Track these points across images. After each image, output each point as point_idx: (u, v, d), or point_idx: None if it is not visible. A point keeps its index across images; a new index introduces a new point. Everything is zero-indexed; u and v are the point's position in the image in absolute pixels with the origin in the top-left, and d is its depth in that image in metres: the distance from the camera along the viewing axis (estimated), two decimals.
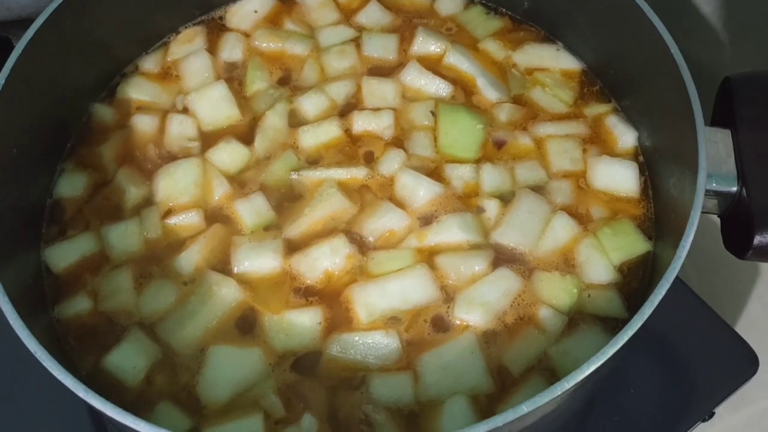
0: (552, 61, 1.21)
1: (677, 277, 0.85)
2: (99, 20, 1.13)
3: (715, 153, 0.95)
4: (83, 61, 1.14)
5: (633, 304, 0.99)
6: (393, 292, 0.98)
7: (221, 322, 0.98)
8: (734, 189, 0.95)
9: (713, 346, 1.19)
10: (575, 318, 0.98)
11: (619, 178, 1.08)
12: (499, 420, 0.74)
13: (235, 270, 1.01)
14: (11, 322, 0.84)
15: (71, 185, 1.10)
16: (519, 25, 1.26)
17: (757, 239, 0.90)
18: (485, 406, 0.93)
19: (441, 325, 0.98)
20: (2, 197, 0.97)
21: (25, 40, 1.00)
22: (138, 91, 1.19)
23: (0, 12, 1.45)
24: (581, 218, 1.05)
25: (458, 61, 1.19)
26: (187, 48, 1.23)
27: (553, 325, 0.97)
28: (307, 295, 1.00)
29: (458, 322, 0.98)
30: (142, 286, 1.01)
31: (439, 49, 1.21)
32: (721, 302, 1.23)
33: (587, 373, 0.77)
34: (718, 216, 0.99)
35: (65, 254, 1.04)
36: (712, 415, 1.17)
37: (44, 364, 0.79)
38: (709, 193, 0.94)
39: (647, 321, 0.83)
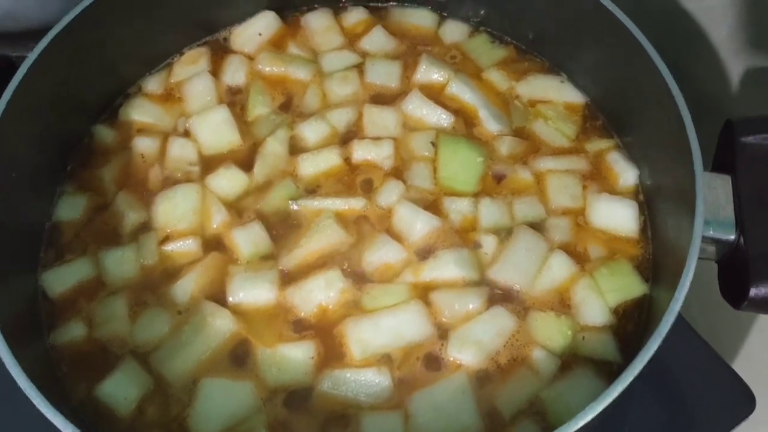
0: (555, 93, 1.20)
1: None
2: (105, 40, 1.13)
3: (714, 199, 0.95)
4: (87, 81, 1.14)
5: (627, 348, 0.99)
6: (387, 328, 0.98)
7: (215, 353, 0.98)
8: (732, 237, 0.94)
9: (710, 384, 1.17)
10: (568, 360, 0.98)
11: (618, 217, 1.07)
12: None
13: (230, 300, 1.01)
14: (2, 354, 0.84)
15: (70, 208, 1.11)
16: (524, 55, 1.25)
17: (753, 291, 0.89)
18: None
19: (433, 364, 0.98)
20: (2, 219, 0.97)
21: (30, 61, 1.01)
22: (140, 112, 1.19)
23: (7, 23, 1.45)
24: (579, 257, 1.05)
25: (461, 91, 1.18)
26: (191, 69, 1.22)
27: (546, 368, 0.97)
28: (301, 328, 1.00)
29: (451, 360, 0.97)
30: (136, 314, 1.02)
31: (442, 78, 1.20)
32: (720, 336, 1.21)
33: (581, 424, 0.77)
34: (716, 262, 0.98)
35: (62, 279, 1.04)
36: None
37: (33, 401, 0.80)
38: (706, 239, 0.93)
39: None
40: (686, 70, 1.03)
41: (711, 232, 0.93)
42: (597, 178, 1.12)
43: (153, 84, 1.22)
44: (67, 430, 0.78)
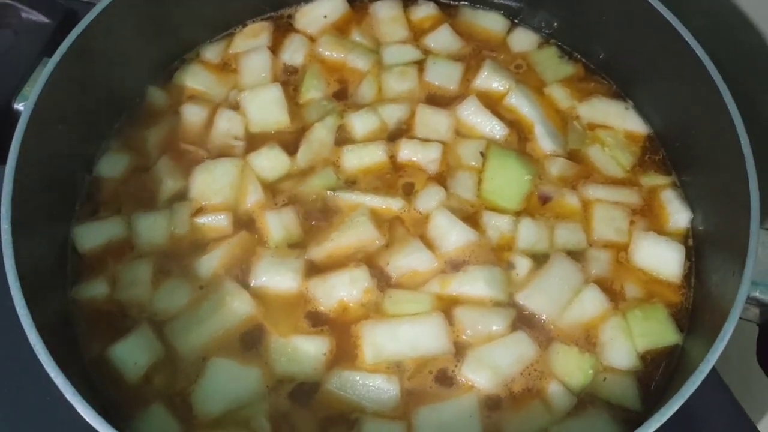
0: (618, 120, 1.15)
1: None
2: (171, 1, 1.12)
3: (763, 258, 0.89)
4: (148, 40, 1.14)
5: (649, 397, 0.95)
6: (404, 336, 0.96)
7: (228, 333, 0.97)
8: None
9: None
10: (584, 399, 0.94)
11: (663, 259, 1.03)
12: None
13: (252, 283, 1.00)
14: (18, 309, 0.84)
15: (112, 165, 1.11)
16: (591, 75, 1.20)
17: None
18: None
19: (445, 380, 0.95)
20: (44, 168, 0.98)
21: (93, 14, 1.00)
22: (194, 79, 1.18)
23: None
24: (614, 294, 1.01)
25: (520, 103, 1.15)
26: (251, 43, 1.21)
27: (560, 404, 0.93)
28: (318, 322, 0.99)
29: (464, 380, 0.95)
30: (159, 281, 1.01)
31: (502, 87, 1.16)
32: (750, 395, 1.16)
33: None
34: (757, 325, 0.93)
35: (94, 235, 1.05)
36: None
37: (40, 357, 0.80)
38: (751, 300, 0.89)
39: None
40: (759, 112, 0.97)
41: (758, 293, 0.88)
42: (647, 214, 1.07)
43: (211, 52, 1.21)
44: (66, 392, 0.78)
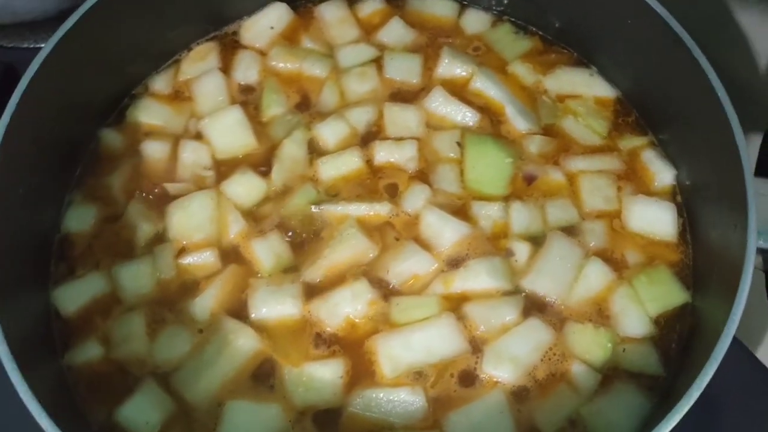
0: (585, 88, 1.14)
1: None
2: (108, 37, 1.07)
3: (764, 206, 0.90)
4: (91, 82, 1.08)
5: (670, 360, 0.95)
6: (418, 344, 0.94)
7: (238, 373, 0.94)
8: None
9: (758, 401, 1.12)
10: (609, 374, 0.94)
11: (656, 220, 1.03)
12: None
13: (253, 316, 0.97)
14: (11, 377, 0.80)
15: (80, 219, 1.05)
16: (550, 46, 1.19)
17: None
18: None
19: (468, 380, 0.93)
20: (8, 234, 0.91)
21: (35, 66, 0.95)
22: (148, 114, 1.13)
23: (5, 16, 1.39)
24: (616, 264, 1.00)
25: (486, 86, 1.13)
26: (200, 66, 1.16)
27: (586, 383, 0.93)
28: (328, 343, 0.96)
29: (487, 377, 0.93)
30: (155, 332, 0.97)
31: (465, 73, 1.14)
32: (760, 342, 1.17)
33: None
34: (763, 272, 0.94)
35: (75, 295, 0.99)
36: None
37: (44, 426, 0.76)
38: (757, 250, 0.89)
39: None
40: (725, 66, 0.98)
41: (761, 242, 0.88)
42: (632, 178, 1.07)
43: (160, 83, 1.16)
44: None
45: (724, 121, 0.91)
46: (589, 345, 0.95)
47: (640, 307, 0.97)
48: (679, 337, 0.96)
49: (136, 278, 1.00)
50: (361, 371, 0.94)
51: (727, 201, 0.92)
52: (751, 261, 0.82)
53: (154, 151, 1.09)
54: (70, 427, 0.79)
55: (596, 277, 0.98)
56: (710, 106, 0.93)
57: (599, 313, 0.97)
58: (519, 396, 0.92)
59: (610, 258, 1.01)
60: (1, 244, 0.89)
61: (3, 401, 0.95)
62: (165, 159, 1.09)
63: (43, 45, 1.00)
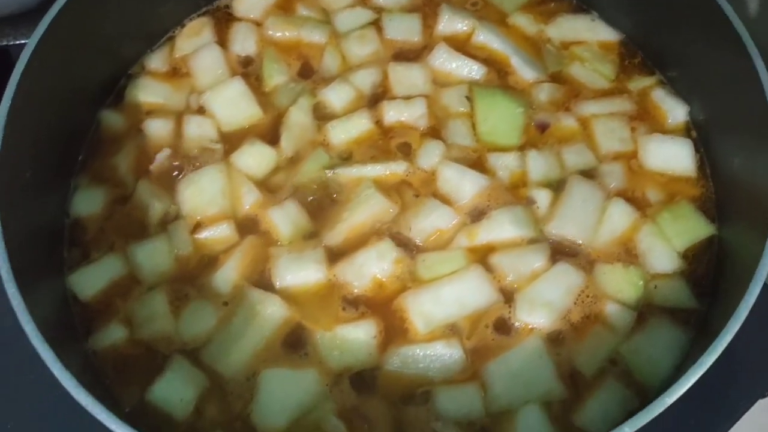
0: (588, 33, 1.14)
1: None
2: (100, 19, 1.04)
3: None
4: (86, 64, 1.05)
5: (702, 292, 0.94)
6: (449, 298, 0.93)
7: (269, 342, 0.92)
8: None
9: None
10: (643, 312, 0.93)
11: (673, 156, 1.02)
12: None
13: (277, 285, 0.95)
14: (44, 357, 0.77)
15: (88, 202, 1.02)
16: None
17: None
18: (560, 413, 0.88)
19: (504, 329, 0.92)
20: (20, 223, 0.88)
21: (27, 52, 0.91)
22: (147, 92, 1.10)
23: None
24: (638, 203, 1.00)
25: (488, 39, 1.12)
26: (195, 42, 1.14)
27: (621, 321, 0.92)
28: (357, 305, 0.94)
29: (522, 324, 0.92)
30: (179, 309, 0.94)
31: (466, 28, 1.13)
32: None
33: (689, 384, 0.72)
34: None
35: (92, 280, 0.96)
36: None
37: (83, 404, 0.73)
38: None
39: None
40: None
41: None
42: (645, 118, 1.06)
43: (156, 61, 1.13)
44: None
45: (740, 48, 0.91)
46: (621, 284, 0.94)
47: (667, 243, 0.96)
48: (709, 270, 0.96)
49: (153, 257, 0.97)
50: (394, 330, 0.92)
51: (748, 128, 0.91)
52: None
53: (157, 128, 1.06)
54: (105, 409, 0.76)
55: (620, 217, 0.98)
56: (722, 36, 0.93)
57: (627, 253, 0.97)
58: (556, 340, 0.91)
59: (631, 197, 1.00)
60: (13, 234, 0.86)
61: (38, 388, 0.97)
62: (169, 136, 1.06)
63: (25, 41, 1.00)
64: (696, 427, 1.11)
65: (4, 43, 1.41)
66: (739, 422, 1.14)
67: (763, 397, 1.13)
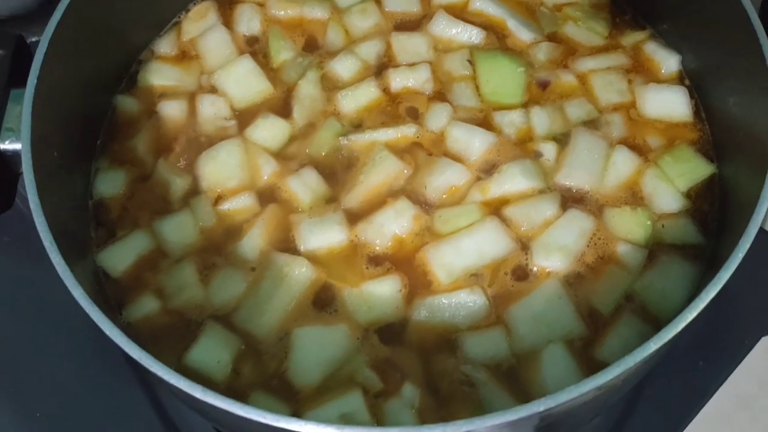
0: None
1: None
2: (109, 9, 1.06)
3: None
4: (98, 53, 1.07)
5: (707, 228, 0.99)
6: (468, 249, 0.96)
7: (299, 302, 0.95)
8: None
9: None
10: (654, 250, 0.97)
11: (669, 103, 1.07)
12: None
13: (302, 248, 0.98)
14: (97, 321, 0.79)
15: (110, 183, 1.05)
16: None
17: None
18: (582, 349, 0.92)
19: (522, 275, 0.96)
20: (52, 205, 0.90)
21: (46, 41, 0.93)
22: (159, 76, 1.13)
23: None
24: (640, 149, 1.04)
25: (484, 5, 1.16)
26: (201, 25, 1.17)
27: (633, 260, 0.96)
28: (380, 262, 0.97)
29: (539, 269, 0.96)
30: (208, 277, 0.97)
31: None
32: None
33: (697, 312, 0.76)
34: None
35: (121, 256, 0.99)
36: None
37: (136, 357, 0.76)
38: None
39: None
40: None
41: None
42: (640, 70, 1.11)
43: (165, 46, 1.16)
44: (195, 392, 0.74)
45: None
46: (630, 226, 0.98)
47: (670, 184, 1.01)
48: (713, 206, 1.00)
49: (179, 230, 1.00)
50: (418, 283, 0.96)
51: (740, 72, 0.96)
52: None
53: (172, 109, 1.10)
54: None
55: (624, 163, 1.02)
56: None
57: (633, 196, 1.01)
58: (573, 281, 0.95)
59: (633, 145, 1.05)
60: (48, 214, 0.88)
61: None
62: (184, 116, 1.09)
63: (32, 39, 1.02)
64: (706, 367, 1.17)
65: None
66: (745, 360, 1.19)
67: (766, 334, 1.18)
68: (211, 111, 1.09)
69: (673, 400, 1.11)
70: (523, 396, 0.89)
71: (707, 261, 0.97)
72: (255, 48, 1.15)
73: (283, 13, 1.17)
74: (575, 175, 1.01)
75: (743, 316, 1.19)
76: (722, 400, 1.17)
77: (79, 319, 0.80)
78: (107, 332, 0.79)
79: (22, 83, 0.93)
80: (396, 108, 1.08)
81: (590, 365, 0.91)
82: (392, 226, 0.98)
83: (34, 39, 1.43)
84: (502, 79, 1.09)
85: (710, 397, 1.14)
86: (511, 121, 1.06)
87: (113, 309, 0.96)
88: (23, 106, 0.90)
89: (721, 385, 1.16)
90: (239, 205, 1.01)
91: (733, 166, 0.99)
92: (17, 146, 0.92)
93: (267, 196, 1.03)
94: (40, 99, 0.91)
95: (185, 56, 1.15)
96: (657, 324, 0.93)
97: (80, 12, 0.99)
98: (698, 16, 1.05)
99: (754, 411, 1.24)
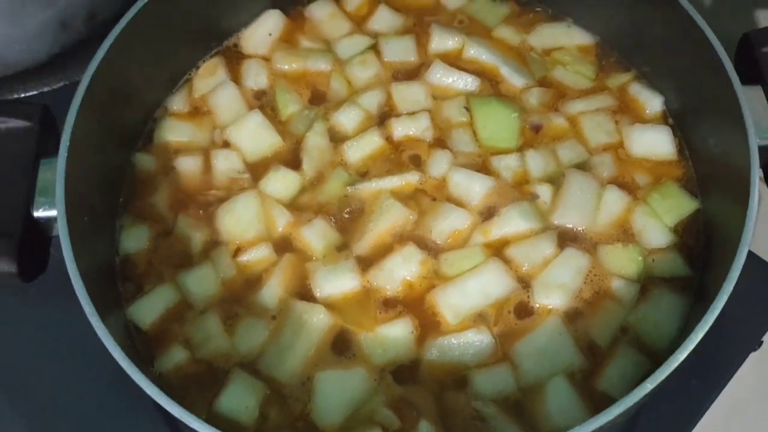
0: (566, 39, 1.25)
1: None
2: (127, 73, 1.12)
3: (753, 110, 1.01)
4: (118, 115, 1.13)
5: (694, 261, 1.07)
6: (473, 290, 1.03)
7: (318, 347, 1.02)
8: None
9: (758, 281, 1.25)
10: (645, 284, 1.05)
11: (654, 143, 1.14)
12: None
13: (318, 295, 1.05)
14: (131, 374, 0.86)
15: (135, 240, 1.11)
16: (525, 7, 1.29)
17: None
18: (582, 381, 0.99)
19: (525, 313, 1.03)
20: (84, 264, 0.97)
21: (74, 111, 1.00)
22: (173, 133, 1.19)
23: None
24: (629, 187, 1.11)
25: (478, 52, 1.23)
26: (211, 81, 1.23)
27: (627, 294, 1.04)
28: (392, 306, 1.04)
29: (540, 306, 1.03)
30: (232, 327, 1.04)
31: (457, 44, 1.24)
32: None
33: (692, 347, 0.84)
34: (761, 168, 1.05)
35: (148, 310, 1.06)
36: (760, 344, 1.26)
37: (173, 412, 0.83)
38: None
39: None
40: None
41: (758, 141, 0.99)
42: (626, 110, 1.18)
43: (178, 103, 1.23)
44: None
45: (702, 40, 1.02)
46: (623, 261, 1.06)
47: (658, 220, 1.08)
48: (698, 240, 1.08)
49: (201, 283, 1.07)
50: (428, 324, 1.03)
51: (718, 111, 1.03)
52: (756, 155, 0.93)
53: (187, 165, 1.16)
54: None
55: (615, 201, 1.09)
56: (685, 30, 1.05)
57: (624, 233, 1.08)
58: (572, 317, 1.03)
59: (622, 183, 1.12)
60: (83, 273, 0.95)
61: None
62: (199, 171, 1.16)
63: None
64: (699, 385, 1.24)
65: (15, 96, 1.49)
66: (737, 374, 1.26)
67: (755, 350, 1.26)
68: (226, 165, 1.15)
69: (668, 418, 1.19)
70: (530, 428, 0.96)
71: (695, 292, 1.04)
72: (263, 101, 1.22)
73: (287, 66, 1.24)
74: (570, 215, 1.09)
75: (732, 335, 1.26)
76: (714, 410, 1.24)
77: (110, 369, 0.87)
78: (141, 384, 0.86)
79: (50, 151, 1.00)
80: (399, 156, 1.15)
81: (591, 396, 0.98)
82: (401, 271, 1.05)
83: (45, 89, 1.51)
84: (498, 125, 1.16)
85: (704, 413, 1.21)
86: (507, 165, 1.13)
87: (145, 361, 1.03)
88: (56, 176, 0.96)
89: (714, 400, 1.23)
90: (257, 256, 1.08)
91: (715, 202, 1.07)
92: (51, 213, 0.98)
93: (283, 245, 1.09)
94: (70, 167, 0.98)
95: (198, 112, 1.22)
96: (651, 353, 1.00)
97: (104, 76, 1.05)
98: (676, 62, 1.12)
99: (747, 418, 1.31)
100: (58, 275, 0.94)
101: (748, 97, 1.00)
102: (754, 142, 0.95)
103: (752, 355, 1.27)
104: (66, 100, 1.01)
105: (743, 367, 1.27)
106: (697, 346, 1.15)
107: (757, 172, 0.93)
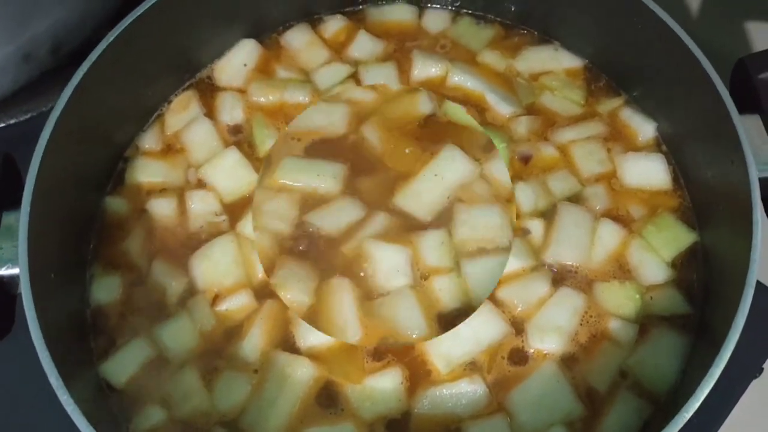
0: (553, 62, 1.20)
1: None
2: (96, 109, 1.06)
3: (751, 141, 0.96)
4: (86, 157, 1.08)
5: (694, 297, 1.02)
6: (464, 336, 0.99)
7: (303, 402, 0.97)
8: None
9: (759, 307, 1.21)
10: (644, 323, 1.00)
11: (648, 172, 1.10)
12: None
13: (302, 345, 1.00)
14: None
15: (106, 289, 1.06)
16: (511, 30, 1.24)
17: None
18: (583, 430, 0.95)
19: (519, 359, 0.99)
20: (48, 318, 0.91)
21: (38, 160, 0.94)
22: (145, 172, 1.13)
23: None
24: (623, 220, 1.07)
25: (462, 79, 1.18)
26: (184, 116, 1.17)
27: (625, 336, 0.99)
28: (380, 356, 0.99)
29: (535, 351, 0.98)
30: (211, 382, 0.99)
31: (440, 71, 1.19)
32: None
33: (703, 397, 0.79)
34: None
35: (122, 367, 1.00)
36: (761, 370, 1.22)
37: None
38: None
39: None
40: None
41: (758, 173, 0.95)
42: (618, 137, 1.13)
43: (149, 141, 1.17)
44: None
45: (695, 65, 0.98)
46: (620, 300, 1.01)
47: (655, 254, 1.04)
48: (698, 275, 1.03)
49: (179, 336, 1.01)
50: (418, 374, 0.98)
51: (714, 140, 0.99)
52: (757, 188, 0.89)
53: (161, 208, 1.10)
54: None
55: (609, 236, 1.05)
56: (676, 53, 1.00)
57: (621, 269, 1.04)
58: (569, 362, 0.98)
59: (617, 216, 1.07)
60: (46, 329, 0.89)
61: None
62: (174, 214, 1.10)
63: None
64: (702, 411, 1.20)
65: None
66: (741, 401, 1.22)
67: (755, 377, 1.22)
68: (201, 207, 1.10)
69: None
70: None
71: (695, 330, 1.00)
72: (239, 137, 1.16)
73: (264, 99, 1.18)
74: (563, 253, 1.04)
75: (734, 362, 1.22)
76: None
77: None
78: None
79: (14, 202, 0.95)
80: None
81: None
82: None
83: (12, 121, 1.44)
84: None
85: None
86: None
87: (120, 422, 0.97)
88: (19, 233, 0.91)
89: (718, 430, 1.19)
90: (237, 304, 1.02)
91: (714, 233, 1.02)
92: (14, 271, 0.93)
93: (263, 292, 1.04)
94: (34, 220, 0.92)
95: (170, 150, 1.16)
96: (652, 397, 0.96)
97: (69, 118, 0.99)
98: (668, 86, 1.08)
99: None
100: (26, 332, 0.88)
101: (746, 127, 0.96)
102: (755, 175, 0.91)
103: (754, 382, 1.23)
104: (32, 132, 0.96)
105: (745, 394, 1.23)
106: None
107: (758, 206, 0.89)
